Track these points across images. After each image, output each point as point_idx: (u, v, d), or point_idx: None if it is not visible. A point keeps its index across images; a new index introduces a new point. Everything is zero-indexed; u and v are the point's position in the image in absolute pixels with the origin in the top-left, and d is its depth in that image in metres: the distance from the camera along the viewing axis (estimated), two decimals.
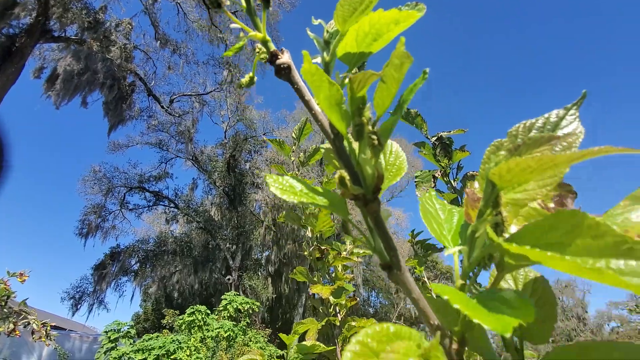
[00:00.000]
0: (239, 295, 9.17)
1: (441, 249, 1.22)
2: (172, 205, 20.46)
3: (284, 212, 1.19)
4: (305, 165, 1.22)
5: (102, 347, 5.79)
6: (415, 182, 1.17)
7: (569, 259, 0.21)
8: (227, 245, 20.68)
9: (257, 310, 9.30)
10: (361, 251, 1.41)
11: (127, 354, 5.64)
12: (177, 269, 19.62)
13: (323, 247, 1.07)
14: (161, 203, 20.57)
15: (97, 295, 17.49)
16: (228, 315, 8.14)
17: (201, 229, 19.93)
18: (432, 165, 1.29)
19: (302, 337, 1.18)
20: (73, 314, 18.16)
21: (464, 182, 1.20)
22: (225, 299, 8.52)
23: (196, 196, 21.76)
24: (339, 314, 1.16)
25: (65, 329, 16.87)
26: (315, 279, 1.10)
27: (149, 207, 20.19)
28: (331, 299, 1.07)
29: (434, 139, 1.20)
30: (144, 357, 5.77)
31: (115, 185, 19.38)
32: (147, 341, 6.09)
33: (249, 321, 8.88)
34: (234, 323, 8.07)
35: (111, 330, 5.88)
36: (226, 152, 21.64)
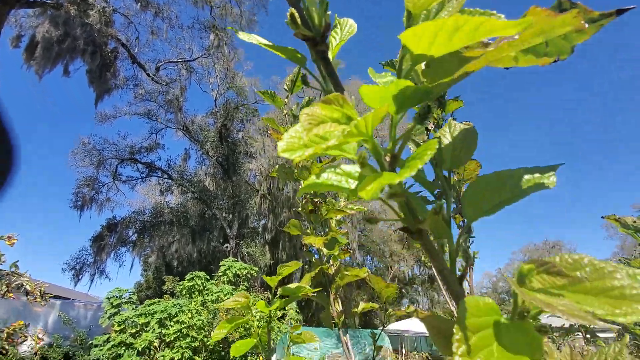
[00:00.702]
0: (237, 261, 9.40)
1: None
2: (165, 176, 20.36)
3: (277, 167, 1.17)
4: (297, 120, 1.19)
5: (106, 312, 5.99)
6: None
7: None
8: (224, 215, 20.89)
9: (255, 275, 9.58)
10: (355, 206, 1.41)
11: (130, 318, 5.84)
12: (175, 238, 19.92)
13: (316, 200, 1.07)
14: (154, 174, 20.44)
15: (97, 266, 17.83)
16: (227, 280, 8.39)
17: (196, 199, 20.00)
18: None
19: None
20: (75, 284, 18.59)
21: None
22: (224, 265, 8.74)
23: (189, 167, 21.63)
24: (332, 266, 1.18)
25: (69, 299, 17.34)
26: (308, 231, 1.11)
27: (142, 178, 20.08)
28: (324, 250, 1.08)
29: None
30: (146, 320, 5.99)
31: (106, 157, 19.10)
32: (149, 306, 6.30)
33: (247, 285, 9.18)
34: (233, 287, 8.34)
35: (113, 296, 6.05)
36: (217, 122, 21.24)
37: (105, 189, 19.35)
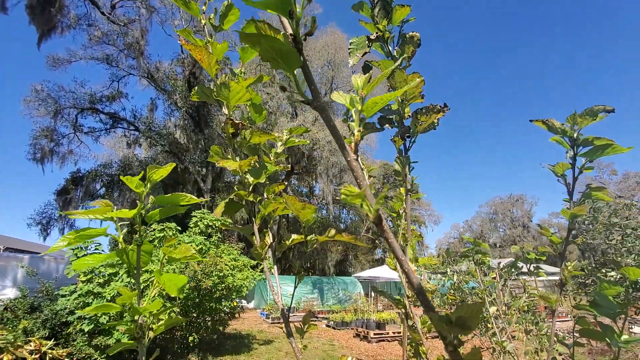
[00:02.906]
0: (211, 213, 9.34)
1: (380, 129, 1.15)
2: (132, 128, 19.30)
3: (195, 89, 1.05)
4: (219, 29, 1.04)
5: (71, 263, 5.90)
6: (349, 50, 1.03)
7: None
8: (197, 169, 20.43)
9: (229, 228, 9.62)
10: (297, 139, 1.33)
11: (97, 268, 5.79)
12: (148, 192, 19.48)
13: (237, 122, 0.97)
14: (119, 126, 19.33)
15: (65, 220, 17.33)
16: (199, 231, 8.38)
17: (167, 152, 19.30)
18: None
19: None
20: (44, 239, 18.15)
21: (402, 46, 1.08)
22: (195, 216, 8.67)
23: (157, 118, 20.54)
24: (266, 199, 1.11)
25: (40, 253, 17.01)
26: (229, 156, 1.02)
27: (106, 130, 18.96)
28: (249, 178, 1.01)
29: None
30: (115, 271, 5.97)
31: (64, 106, 17.71)
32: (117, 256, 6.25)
33: (220, 236, 9.24)
34: (206, 238, 8.37)
35: (78, 247, 5.93)
36: (185, 70, 19.86)
37: (66, 140, 18.20)
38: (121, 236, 0.78)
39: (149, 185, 0.79)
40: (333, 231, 0.88)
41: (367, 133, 1.38)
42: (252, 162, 0.98)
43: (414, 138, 1.17)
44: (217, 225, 9.07)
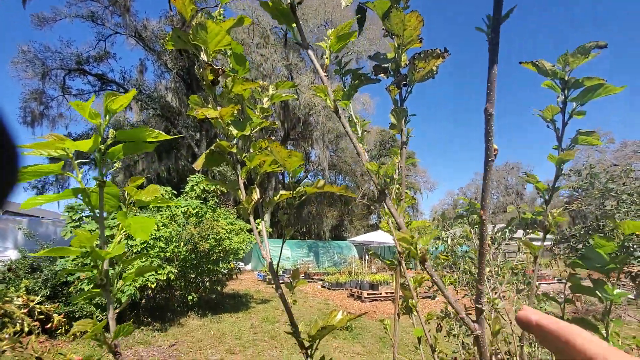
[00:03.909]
0: (207, 178, 9.29)
1: (375, 80, 1.07)
2: (121, 90, 18.64)
3: (169, 33, 0.95)
4: None
5: (67, 225, 5.93)
6: None
7: None
8: (190, 133, 20.10)
9: (225, 192, 9.64)
10: (283, 94, 1.24)
11: (94, 230, 5.84)
12: (141, 156, 19.25)
13: (217, 68, 0.89)
14: (108, 88, 18.67)
15: (60, 184, 17.26)
16: (195, 195, 8.39)
17: (159, 116, 18.86)
18: None
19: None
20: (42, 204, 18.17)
21: None
22: (192, 180, 8.65)
23: (148, 80, 19.84)
24: (250, 154, 1.05)
25: (39, 217, 17.12)
26: (209, 105, 0.94)
27: (95, 92, 18.32)
28: (233, 130, 0.94)
29: None
30: (111, 233, 6.01)
31: (51, 67, 17.01)
32: (112, 219, 6.29)
33: (217, 201, 9.28)
34: (202, 202, 8.40)
35: (71, 209, 5.92)
36: (175, 28, 18.88)
37: (55, 103, 17.66)
38: (79, 175, 0.73)
39: (107, 117, 0.73)
40: (322, 182, 0.84)
41: (361, 85, 1.30)
42: (235, 110, 0.90)
43: (411, 87, 1.09)
44: (212, 189, 9.07)
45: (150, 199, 0.78)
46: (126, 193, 0.75)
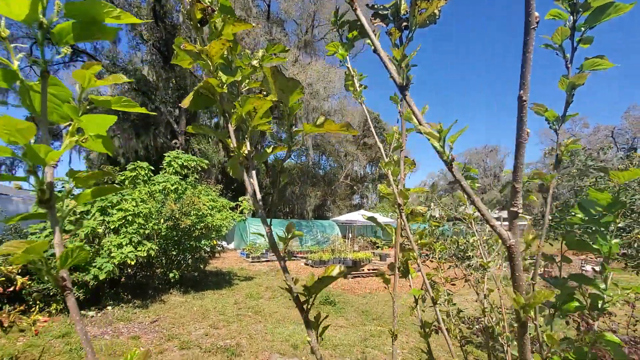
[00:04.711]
0: (185, 154, 9.00)
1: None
2: (93, 62, 17.56)
3: None
4: None
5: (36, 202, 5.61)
6: None
7: None
8: (169, 109, 19.35)
9: (205, 168, 9.38)
10: (274, 57, 1.12)
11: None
12: (116, 133, 18.44)
13: (207, 5, 0.76)
14: (79, 59, 17.54)
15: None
16: (173, 171, 8.12)
17: (135, 90, 17.97)
18: None
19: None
20: (10, 181, 17.26)
21: None
22: (169, 156, 8.34)
23: (122, 52, 18.75)
24: (238, 97, 0.93)
25: (8, 194, 16.30)
26: (198, 44, 0.82)
27: (64, 63, 17.20)
28: (222, 76, 0.82)
29: None
30: (86, 209, 5.76)
31: (16, 36, 15.73)
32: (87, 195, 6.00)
33: (198, 177, 9.04)
34: (181, 178, 8.16)
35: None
36: None
37: (22, 74, 16.44)
38: (16, 63, 0.60)
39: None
40: (322, 118, 0.75)
41: (358, 38, 1.19)
42: (226, 49, 0.79)
43: (412, 32, 1.00)
44: (192, 165, 8.81)
45: (110, 82, 0.65)
46: (78, 85, 0.61)
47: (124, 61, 17.82)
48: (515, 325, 0.49)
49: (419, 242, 0.95)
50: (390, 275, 1.00)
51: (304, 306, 0.82)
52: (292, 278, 0.83)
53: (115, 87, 18.57)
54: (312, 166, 35.97)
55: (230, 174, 1.08)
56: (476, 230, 2.14)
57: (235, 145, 0.89)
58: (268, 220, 0.91)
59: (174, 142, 18.86)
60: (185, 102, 0.86)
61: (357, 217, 19.21)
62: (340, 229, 20.81)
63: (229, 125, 0.92)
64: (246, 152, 0.99)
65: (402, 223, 0.88)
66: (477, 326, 3.23)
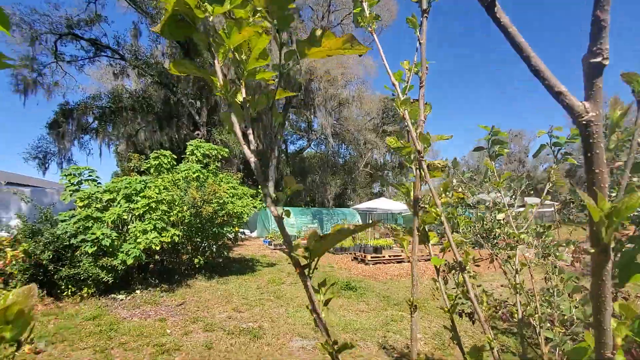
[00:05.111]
0: (208, 142, 9.09)
1: None
2: (117, 56, 18.03)
3: None
4: None
5: (66, 189, 5.84)
6: None
7: None
8: (190, 101, 19.65)
9: (226, 156, 9.47)
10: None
11: (93, 194, 5.75)
12: (141, 126, 18.97)
13: None
14: (103, 54, 18.05)
15: (63, 154, 17.18)
16: (196, 159, 8.23)
17: (157, 83, 18.33)
18: None
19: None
20: (44, 174, 18.21)
21: None
22: (192, 145, 8.45)
23: (143, 45, 19.12)
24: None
25: (42, 187, 17.25)
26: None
27: (89, 58, 17.76)
28: (207, 6, 0.72)
29: None
30: (112, 197, 5.94)
31: (40, 31, 16.32)
32: (112, 183, 6.19)
33: (218, 165, 9.14)
34: (203, 166, 8.26)
35: (70, 174, 5.81)
36: None
37: (48, 71, 17.15)
38: None
39: None
40: (319, 31, 0.63)
41: None
42: None
43: None
44: (213, 154, 8.90)
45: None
46: None
47: (145, 55, 18.17)
48: (590, 253, 0.32)
49: (443, 198, 0.84)
50: (405, 237, 0.89)
51: (305, 271, 0.73)
52: (292, 242, 0.74)
53: (139, 81, 19.02)
54: (332, 155, 35.80)
55: (224, 124, 0.98)
56: (506, 204, 1.98)
57: (221, 83, 0.80)
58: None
59: (196, 133, 19.19)
60: (158, 28, 0.77)
61: (378, 204, 18.98)
62: (360, 217, 20.66)
63: (216, 60, 0.82)
64: (241, 99, 0.88)
65: (422, 174, 0.77)
66: (503, 310, 3.06)
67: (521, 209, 2.24)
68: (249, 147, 0.72)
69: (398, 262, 10.99)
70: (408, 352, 4.25)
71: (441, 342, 4.38)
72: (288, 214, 0.75)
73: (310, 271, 0.74)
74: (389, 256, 11.15)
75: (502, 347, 4.21)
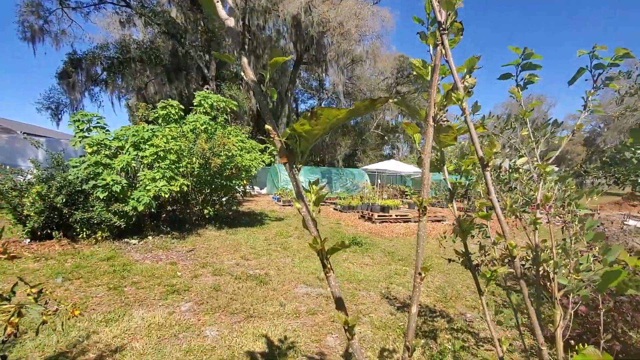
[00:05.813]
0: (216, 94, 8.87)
1: None
2: (122, 3, 17.27)
3: None
4: None
5: (75, 135, 5.83)
6: None
7: None
8: (199, 53, 19.04)
9: (235, 109, 9.27)
10: None
11: (102, 141, 5.74)
12: (150, 79, 18.63)
13: None
14: (109, 1, 17.29)
15: (74, 106, 17.17)
16: (204, 111, 8.08)
17: (165, 33, 17.67)
18: None
19: None
20: (57, 125, 18.36)
21: None
22: (199, 96, 8.26)
23: None
24: None
25: (57, 138, 17.50)
26: None
27: (95, 5, 17.06)
28: None
29: None
30: (120, 144, 5.93)
31: None
32: (121, 131, 6.16)
33: (227, 118, 8.98)
34: (211, 118, 8.13)
35: (78, 120, 5.77)
36: None
37: (54, 18, 16.63)
38: None
39: None
40: None
41: None
42: None
43: None
44: (221, 106, 8.71)
45: None
46: None
47: (152, 2, 17.35)
48: None
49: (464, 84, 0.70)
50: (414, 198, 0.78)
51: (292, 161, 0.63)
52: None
53: (146, 30, 18.37)
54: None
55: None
56: (526, 152, 1.82)
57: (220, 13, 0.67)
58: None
59: (205, 87, 18.81)
60: None
61: (387, 166, 18.79)
62: (369, 178, 20.60)
63: None
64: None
65: (444, 51, 0.64)
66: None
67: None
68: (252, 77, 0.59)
69: (405, 222, 11.05)
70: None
71: (443, 295, 4.45)
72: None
73: (299, 158, 0.65)
74: (396, 215, 11.20)
75: (503, 302, 4.26)
